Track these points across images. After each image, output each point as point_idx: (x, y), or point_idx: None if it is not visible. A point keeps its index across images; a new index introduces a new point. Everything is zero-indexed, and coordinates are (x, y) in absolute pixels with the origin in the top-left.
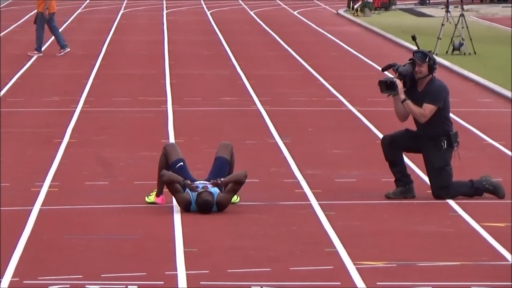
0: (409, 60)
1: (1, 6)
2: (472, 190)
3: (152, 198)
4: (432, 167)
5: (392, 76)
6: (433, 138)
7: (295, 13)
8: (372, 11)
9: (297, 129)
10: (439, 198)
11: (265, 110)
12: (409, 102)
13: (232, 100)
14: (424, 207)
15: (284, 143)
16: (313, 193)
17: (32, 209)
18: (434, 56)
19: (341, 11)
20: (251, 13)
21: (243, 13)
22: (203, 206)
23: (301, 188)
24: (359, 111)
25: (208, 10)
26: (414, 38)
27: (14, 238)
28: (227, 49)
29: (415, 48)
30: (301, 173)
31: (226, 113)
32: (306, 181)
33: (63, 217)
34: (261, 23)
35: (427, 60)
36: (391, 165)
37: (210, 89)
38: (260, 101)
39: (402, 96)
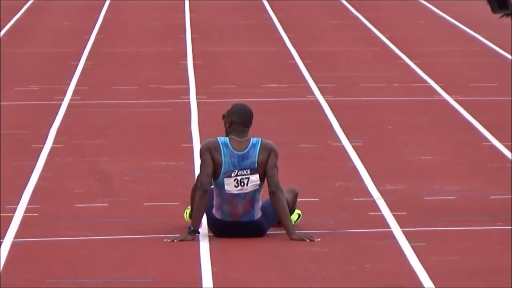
0: None
1: None
2: None
3: (187, 217)
4: None
5: None
6: None
7: None
8: None
9: (371, 127)
10: None
11: (327, 101)
12: None
13: (280, 88)
14: None
15: (353, 146)
16: (395, 216)
17: (2, 242)
18: None
19: None
20: None
21: None
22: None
23: (379, 209)
24: (457, 101)
25: None
26: None
27: None
28: (273, 16)
29: None
30: (377, 188)
31: (271, 106)
32: (385, 200)
33: (44, 252)
34: None
35: None
36: None
37: (249, 73)
38: (319, 88)
39: None
